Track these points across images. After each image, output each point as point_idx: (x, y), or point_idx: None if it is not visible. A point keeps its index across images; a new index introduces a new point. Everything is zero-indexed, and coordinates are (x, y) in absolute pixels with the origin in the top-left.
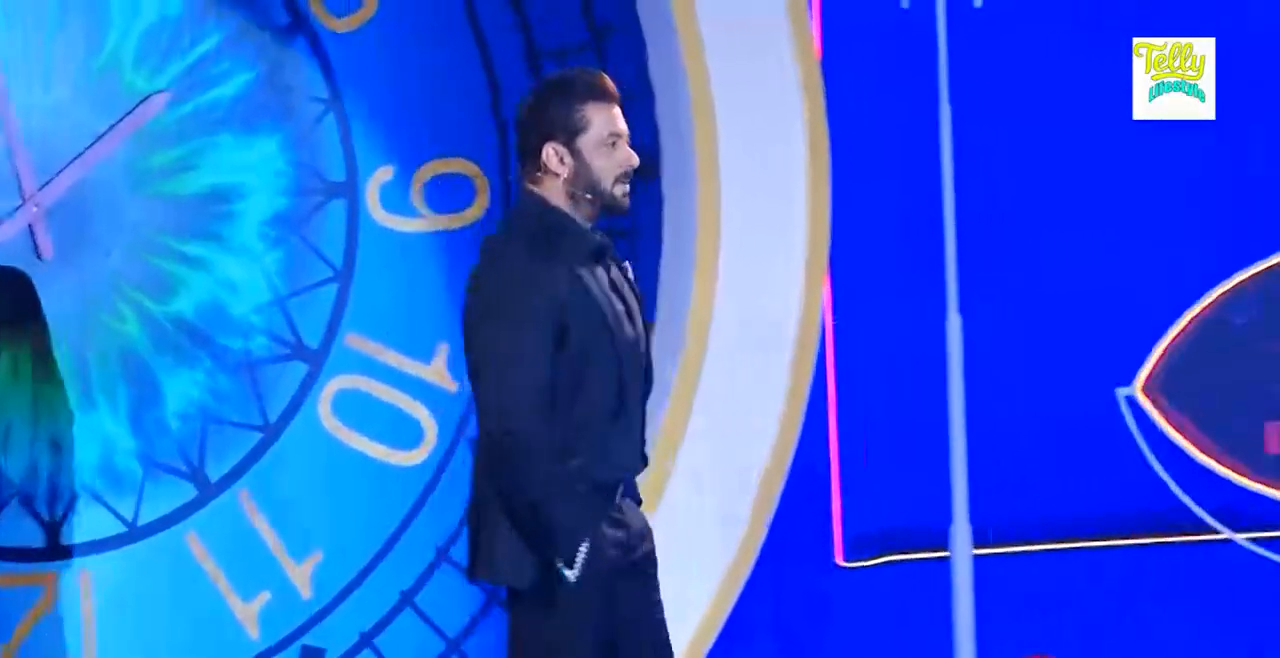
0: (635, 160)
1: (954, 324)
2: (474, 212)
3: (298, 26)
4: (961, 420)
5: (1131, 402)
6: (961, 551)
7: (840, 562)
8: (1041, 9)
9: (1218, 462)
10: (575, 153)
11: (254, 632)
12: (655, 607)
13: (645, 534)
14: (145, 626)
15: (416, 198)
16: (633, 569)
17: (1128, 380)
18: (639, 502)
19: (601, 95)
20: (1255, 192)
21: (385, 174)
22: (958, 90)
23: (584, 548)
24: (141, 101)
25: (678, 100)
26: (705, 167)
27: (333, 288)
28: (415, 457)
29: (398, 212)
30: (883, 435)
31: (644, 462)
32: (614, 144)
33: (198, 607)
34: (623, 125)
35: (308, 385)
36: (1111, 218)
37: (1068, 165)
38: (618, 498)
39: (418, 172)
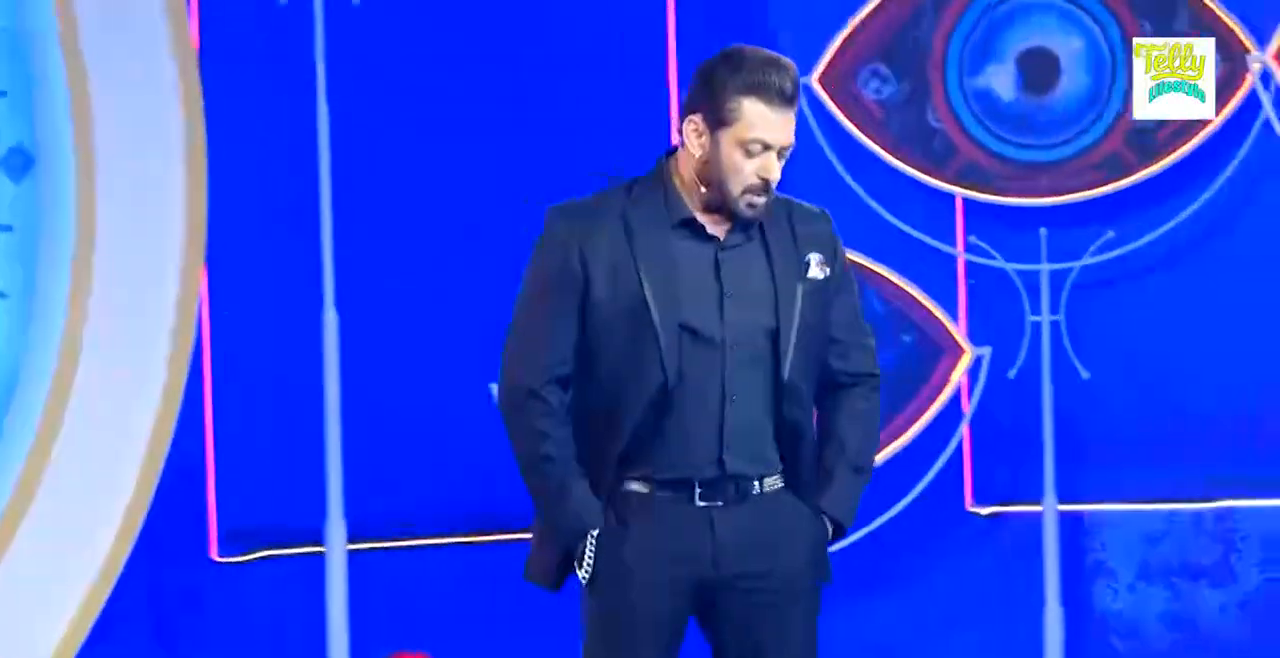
0: (771, 174)
1: (330, 321)
2: None
3: None
4: (337, 417)
5: None
6: (335, 546)
7: (214, 557)
8: (418, 9)
9: None
10: (715, 140)
11: None
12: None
13: (743, 549)
14: None
15: None
16: (712, 588)
17: None
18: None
19: (768, 94)
20: None
21: None
22: (335, 87)
23: (590, 544)
24: None
25: (55, 98)
26: (83, 163)
27: None
28: None
29: None
30: (259, 431)
31: (723, 467)
32: (754, 151)
33: None
34: (777, 136)
35: None
36: (491, 215)
37: (445, 163)
38: (693, 501)
39: None
